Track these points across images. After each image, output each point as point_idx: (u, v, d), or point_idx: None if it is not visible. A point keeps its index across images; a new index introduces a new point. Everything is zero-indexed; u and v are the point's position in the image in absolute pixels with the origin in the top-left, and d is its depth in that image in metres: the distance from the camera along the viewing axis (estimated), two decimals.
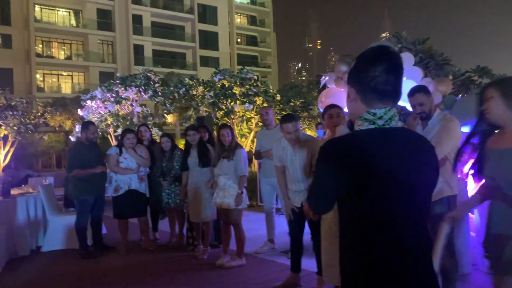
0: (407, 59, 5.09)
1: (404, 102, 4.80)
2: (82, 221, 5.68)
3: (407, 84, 4.02)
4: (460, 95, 7.50)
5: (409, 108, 4.71)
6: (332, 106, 3.83)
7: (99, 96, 13.57)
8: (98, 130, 14.07)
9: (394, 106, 1.55)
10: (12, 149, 13.32)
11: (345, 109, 3.59)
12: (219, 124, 11.92)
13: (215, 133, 5.61)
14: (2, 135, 12.72)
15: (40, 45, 32.18)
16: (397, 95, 1.55)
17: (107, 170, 5.89)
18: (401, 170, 1.46)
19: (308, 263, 4.42)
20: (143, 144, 6.17)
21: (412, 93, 3.42)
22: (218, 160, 4.99)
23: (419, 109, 3.37)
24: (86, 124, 5.90)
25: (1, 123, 12.51)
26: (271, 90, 12.37)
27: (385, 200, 1.44)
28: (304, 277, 4.32)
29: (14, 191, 6.00)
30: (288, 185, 4.17)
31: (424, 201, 1.54)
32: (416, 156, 1.51)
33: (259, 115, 6.08)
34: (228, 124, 5.23)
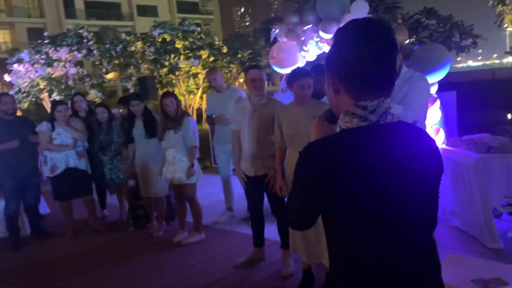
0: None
1: None
2: (8, 209, 5.09)
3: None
4: (413, 39, 7.35)
5: None
6: (303, 74, 3.15)
7: (27, 59, 12.25)
8: (31, 96, 12.93)
9: (389, 96, 1.21)
10: None
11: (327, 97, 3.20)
12: (164, 82, 11.17)
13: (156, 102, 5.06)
14: None
15: None
16: (392, 82, 1.21)
17: (40, 149, 5.26)
18: (403, 178, 1.16)
19: (272, 231, 4.10)
20: (80, 116, 5.55)
21: None
22: (163, 133, 4.52)
23: None
24: None
25: None
26: (216, 42, 11.70)
27: (383, 215, 1.15)
28: (268, 248, 4.08)
29: None
30: (242, 151, 3.80)
31: (430, 209, 1.26)
32: (418, 158, 1.20)
33: (207, 81, 5.64)
34: (171, 92, 4.72)
